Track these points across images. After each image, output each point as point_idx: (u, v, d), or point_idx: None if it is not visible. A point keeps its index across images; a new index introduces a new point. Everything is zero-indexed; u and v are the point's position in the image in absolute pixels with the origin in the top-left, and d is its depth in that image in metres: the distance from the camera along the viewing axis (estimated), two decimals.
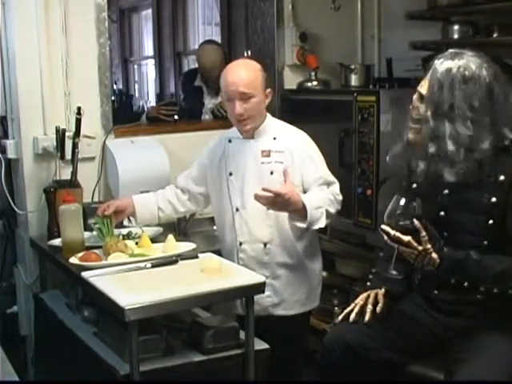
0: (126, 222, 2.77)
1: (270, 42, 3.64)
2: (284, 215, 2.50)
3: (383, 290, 2.30)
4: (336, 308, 3.23)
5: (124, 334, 2.07)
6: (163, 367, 2.13)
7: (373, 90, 3.20)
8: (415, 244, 2.02)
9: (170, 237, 2.48)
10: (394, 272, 2.13)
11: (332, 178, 2.60)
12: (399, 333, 2.21)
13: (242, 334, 2.24)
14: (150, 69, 8.25)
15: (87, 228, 2.67)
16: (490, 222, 2.07)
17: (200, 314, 2.45)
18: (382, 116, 2.98)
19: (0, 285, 3.28)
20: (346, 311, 2.29)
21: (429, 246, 2.02)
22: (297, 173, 2.54)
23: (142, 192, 2.81)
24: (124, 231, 2.69)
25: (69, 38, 2.99)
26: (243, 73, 2.52)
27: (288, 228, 2.56)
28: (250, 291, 2.19)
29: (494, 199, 2.06)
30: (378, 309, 2.24)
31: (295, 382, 2.75)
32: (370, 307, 2.25)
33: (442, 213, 2.15)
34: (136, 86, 8.61)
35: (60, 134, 2.92)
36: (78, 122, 2.89)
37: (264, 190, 2.34)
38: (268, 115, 2.63)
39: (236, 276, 2.22)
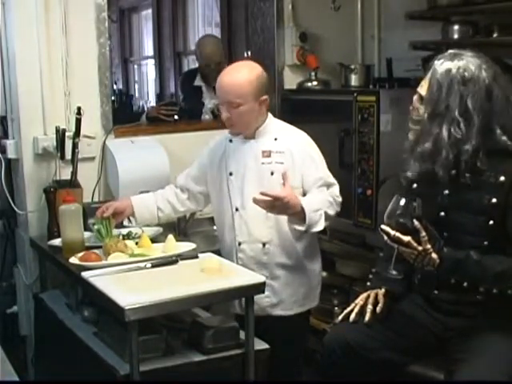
0: (126, 222, 2.77)
1: (270, 42, 3.64)
2: (284, 216, 2.50)
3: (383, 290, 2.30)
4: (336, 308, 3.23)
5: (124, 334, 2.07)
6: (163, 367, 2.13)
7: (373, 89, 3.20)
8: (415, 244, 2.02)
9: (170, 237, 2.48)
10: (394, 272, 2.13)
11: (332, 180, 2.60)
12: (399, 333, 2.21)
13: (242, 334, 2.24)
14: (150, 69, 8.25)
15: (87, 228, 2.67)
16: (491, 222, 2.07)
17: (200, 314, 2.45)
18: (382, 116, 2.98)
19: (0, 285, 3.28)
20: (345, 311, 2.29)
21: (429, 246, 2.03)
22: (297, 173, 2.54)
23: (141, 192, 2.81)
24: (124, 231, 2.69)
25: (69, 38, 2.99)
26: (234, 81, 2.49)
27: (287, 229, 2.56)
28: (250, 291, 2.19)
29: (494, 200, 2.06)
30: (378, 309, 2.25)
31: (295, 382, 2.75)
32: (370, 307, 2.25)
33: (442, 213, 2.15)
34: (136, 86, 8.61)
35: (60, 134, 2.92)
36: (78, 122, 2.89)
37: (262, 193, 2.34)
38: (269, 115, 2.63)
39: (236, 276, 2.22)
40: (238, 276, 2.22)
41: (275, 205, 2.35)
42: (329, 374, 2.26)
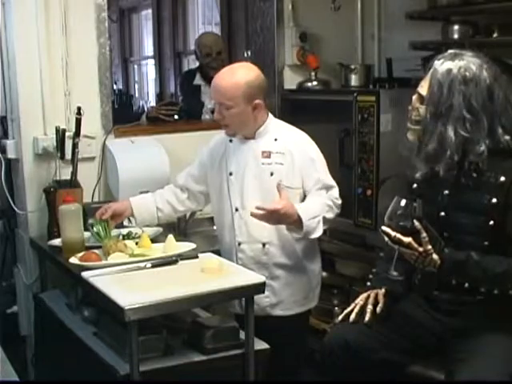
0: (126, 222, 2.77)
1: (270, 42, 3.64)
2: None
3: (383, 290, 2.30)
4: (336, 308, 3.23)
5: (124, 334, 2.07)
6: (163, 367, 2.13)
7: (373, 90, 3.19)
8: (416, 245, 2.02)
9: (170, 237, 2.48)
10: (395, 273, 2.13)
11: (331, 182, 2.59)
12: (399, 333, 2.21)
13: (242, 334, 2.24)
14: (150, 69, 8.26)
15: (87, 228, 2.67)
16: (491, 222, 2.07)
17: (200, 314, 2.45)
18: (382, 116, 2.98)
19: (0, 285, 3.28)
20: (346, 311, 2.29)
21: (429, 247, 2.02)
22: (297, 174, 2.54)
23: (141, 192, 2.81)
24: (124, 231, 2.69)
25: (69, 37, 2.99)
26: (226, 83, 2.48)
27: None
28: (250, 291, 2.19)
29: (494, 200, 2.06)
30: (378, 309, 2.24)
31: (295, 381, 2.75)
32: (370, 307, 2.25)
33: (443, 214, 2.15)
34: (136, 86, 8.62)
35: (60, 134, 2.92)
36: (78, 122, 2.89)
37: (258, 208, 2.36)
38: (270, 115, 2.63)
39: (236, 276, 2.21)
40: (238, 276, 2.22)
41: (272, 217, 2.38)
42: (329, 373, 2.26)
